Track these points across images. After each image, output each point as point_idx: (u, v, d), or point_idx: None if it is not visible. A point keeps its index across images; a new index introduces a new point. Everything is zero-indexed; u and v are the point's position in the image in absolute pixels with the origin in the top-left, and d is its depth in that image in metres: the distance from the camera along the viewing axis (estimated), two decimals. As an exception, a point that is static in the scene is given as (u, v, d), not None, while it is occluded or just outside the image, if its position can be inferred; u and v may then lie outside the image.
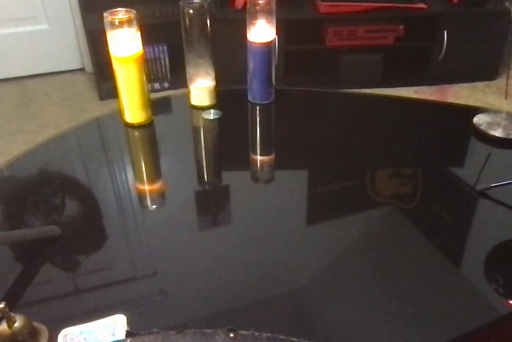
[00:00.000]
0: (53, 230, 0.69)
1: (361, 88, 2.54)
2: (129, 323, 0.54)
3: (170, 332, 0.50)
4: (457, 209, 0.72)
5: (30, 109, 2.53)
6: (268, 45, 0.96)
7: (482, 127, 0.89)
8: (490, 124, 0.90)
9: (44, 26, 2.72)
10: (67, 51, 2.80)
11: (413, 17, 2.50)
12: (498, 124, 0.89)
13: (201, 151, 0.93)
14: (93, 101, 2.58)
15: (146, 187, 0.84)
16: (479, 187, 0.61)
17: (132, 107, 0.93)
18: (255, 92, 1.01)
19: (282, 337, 0.50)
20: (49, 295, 0.61)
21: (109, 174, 0.85)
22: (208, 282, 0.61)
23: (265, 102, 1.02)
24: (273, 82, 1.01)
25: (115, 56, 0.88)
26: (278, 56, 2.41)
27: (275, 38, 0.97)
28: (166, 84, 2.66)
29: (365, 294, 0.56)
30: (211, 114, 0.98)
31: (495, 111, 0.94)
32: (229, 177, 0.85)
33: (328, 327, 0.55)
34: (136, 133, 0.96)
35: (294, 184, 0.82)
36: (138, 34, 0.87)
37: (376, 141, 0.92)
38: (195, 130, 1.01)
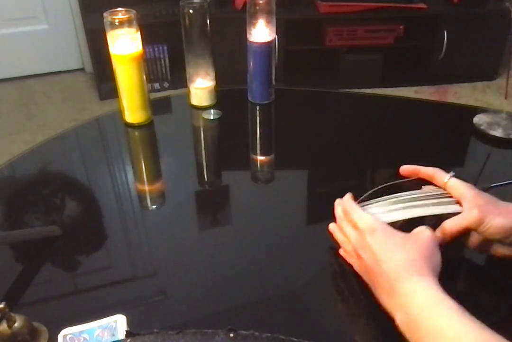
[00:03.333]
0: (53, 230, 0.69)
1: (361, 88, 2.55)
2: (129, 323, 0.54)
3: (170, 332, 0.50)
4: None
5: (30, 109, 2.53)
6: (268, 45, 0.96)
7: (482, 127, 0.89)
8: (490, 124, 0.90)
9: (44, 26, 2.72)
10: (67, 51, 2.80)
11: (413, 17, 2.50)
12: (498, 124, 0.89)
13: (201, 151, 0.93)
14: (93, 101, 2.58)
15: (146, 187, 0.84)
16: (479, 187, 0.61)
17: (132, 107, 0.93)
18: (255, 92, 1.01)
19: (282, 337, 0.50)
20: (49, 295, 0.61)
21: (109, 174, 0.85)
22: (208, 282, 0.62)
23: (265, 102, 1.02)
24: (273, 82, 1.01)
25: (115, 56, 0.88)
26: (278, 56, 2.41)
27: (275, 38, 0.97)
28: (166, 84, 2.66)
29: (366, 293, 0.56)
30: (211, 114, 0.98)
31: (495, 111, 0.94)
32: (229, 177, 0.85)
33: (328, 327, 0.55)
34: (136, 133, 0.96)
35: (294, 184, 0.82)
36: (138, 34, 0.87)
37: (376, 141, 0.92)
38: (195, 130, 1.01)
